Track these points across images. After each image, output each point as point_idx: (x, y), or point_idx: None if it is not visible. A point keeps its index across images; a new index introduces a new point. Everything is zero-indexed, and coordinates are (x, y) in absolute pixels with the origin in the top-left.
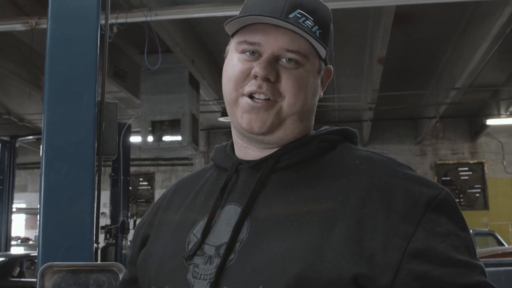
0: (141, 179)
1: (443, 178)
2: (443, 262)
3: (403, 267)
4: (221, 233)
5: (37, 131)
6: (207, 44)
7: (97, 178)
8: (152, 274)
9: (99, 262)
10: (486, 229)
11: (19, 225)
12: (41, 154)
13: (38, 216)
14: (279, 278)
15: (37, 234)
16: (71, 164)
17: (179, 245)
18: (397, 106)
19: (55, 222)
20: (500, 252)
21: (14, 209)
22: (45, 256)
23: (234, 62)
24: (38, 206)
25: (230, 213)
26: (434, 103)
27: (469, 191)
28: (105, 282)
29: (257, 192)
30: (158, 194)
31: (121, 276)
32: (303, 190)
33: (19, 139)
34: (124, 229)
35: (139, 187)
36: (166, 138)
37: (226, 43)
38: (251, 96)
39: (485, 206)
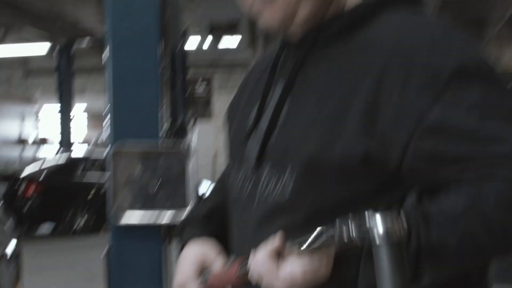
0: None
1: None
2: (462, 134)
3: (413, 144)
4: (270, 113)
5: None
6: None
7: (161, 65)
8: (229, 150)
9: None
10: None
11: (81, 126)
12: (106, 42)
13: (107, 99)
14: (300, 157)
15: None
16: (137, 51)
17: (243, 123)
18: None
19: (124, 104)
20: None
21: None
22: (116, 136)
23: None
24: (105, 95)
25: (277, 92)
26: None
27: None
28: (173, 165)
29: (296, 71)
30: (215, 98)
31: (187, 160)
32: (334, 66)
33: (77, 41)
34: (184, 128)
35: (197, 92)
36: (224, 40)
37: None
38: None
39: None
